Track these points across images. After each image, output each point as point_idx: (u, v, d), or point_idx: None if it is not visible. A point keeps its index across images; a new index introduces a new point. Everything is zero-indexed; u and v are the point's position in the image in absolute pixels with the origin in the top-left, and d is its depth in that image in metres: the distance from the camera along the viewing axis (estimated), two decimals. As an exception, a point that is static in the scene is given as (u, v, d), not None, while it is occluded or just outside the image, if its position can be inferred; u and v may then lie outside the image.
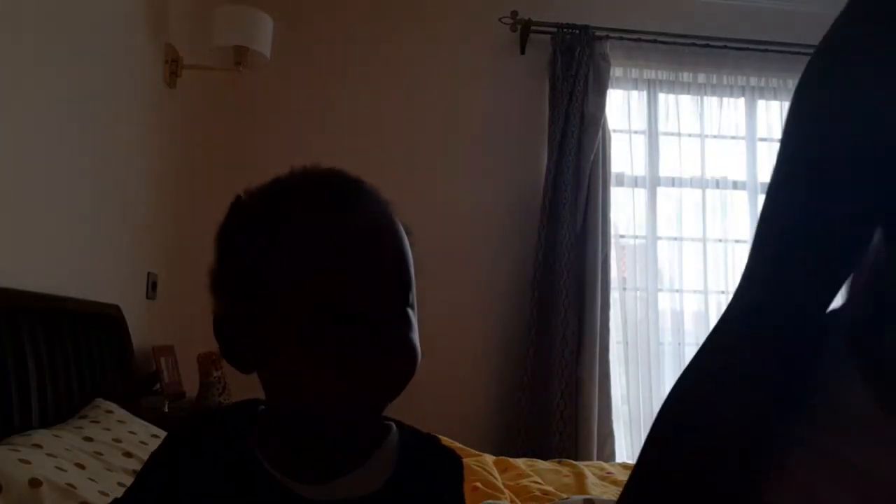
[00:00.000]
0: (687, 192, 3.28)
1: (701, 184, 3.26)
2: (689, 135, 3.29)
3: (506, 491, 1.88)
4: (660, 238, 3.24)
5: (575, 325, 3.01)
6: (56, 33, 1.66)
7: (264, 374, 0.58)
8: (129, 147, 2.12)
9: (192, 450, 0.59)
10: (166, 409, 2.08)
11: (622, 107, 3.29)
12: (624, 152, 3.25)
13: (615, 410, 3.05)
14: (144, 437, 1.57)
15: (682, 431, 0.55)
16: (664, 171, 3.26)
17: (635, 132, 3.28)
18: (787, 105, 0.80)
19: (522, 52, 3.25)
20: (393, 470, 0.59)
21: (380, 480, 0.58)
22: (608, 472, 2.19)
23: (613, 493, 1.94)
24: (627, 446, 3.09)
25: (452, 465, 0.63)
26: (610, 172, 3.17)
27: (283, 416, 0.59)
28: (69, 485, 1.16)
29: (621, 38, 3.16)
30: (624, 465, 2.30)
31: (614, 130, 3.22)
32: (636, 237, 3.24)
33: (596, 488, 1.99)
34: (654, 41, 3.20)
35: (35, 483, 1.11)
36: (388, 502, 0.58)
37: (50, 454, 1.25)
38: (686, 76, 3.32)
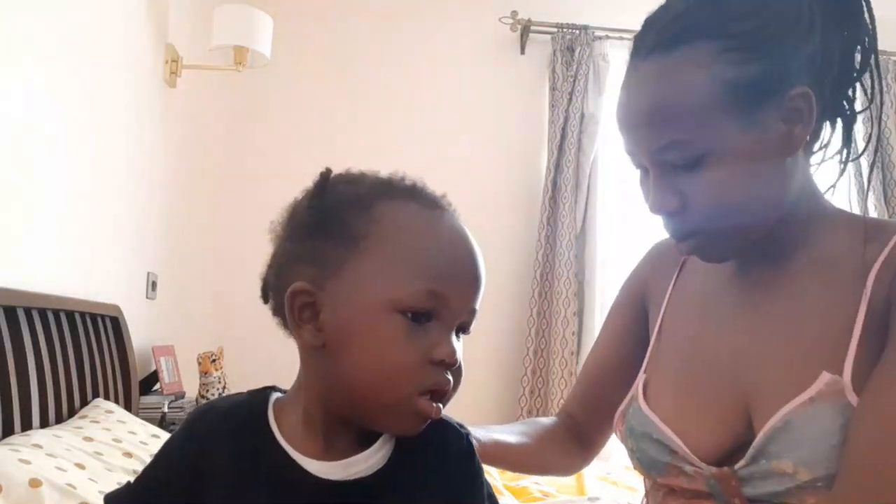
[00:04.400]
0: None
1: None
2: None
3: (505, 492, 1.88)
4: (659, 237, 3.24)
5: (575, 325, 3.01)
6: (56, 33, 1.66)
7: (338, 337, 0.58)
8: (129, 147, 2.12)
9: (209, 431, 0.61)
10: (166, 409, 2.08)
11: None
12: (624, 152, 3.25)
13: (615, 410, 3.04)
14: (144, 437, 1.57)
15: None
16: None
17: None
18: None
19: (522, 52, 3.26)
20: (394, 447, 0.60)
21: (384, 458, 0.60)
22: (608, 472, 2.19)
23: (613, 493, 1.95)
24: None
25: (458, 439, 0.63)
26: (610, 172, 3.17)
27: (321, 395, 0.59)
28: (69, 485, 1.16)
29: (621, 38, 3.16)
30: (624, 466, 2.30)
31: (614, 130, 3.21)
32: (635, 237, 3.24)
33: (596, 488, 1.99)
34: (654, 41, 3.20)
35: (35, 483, 1.11)
36: (391, 479, 0.59)
37: (50, 454, 1.25)
38: (686, 76, 3.32)
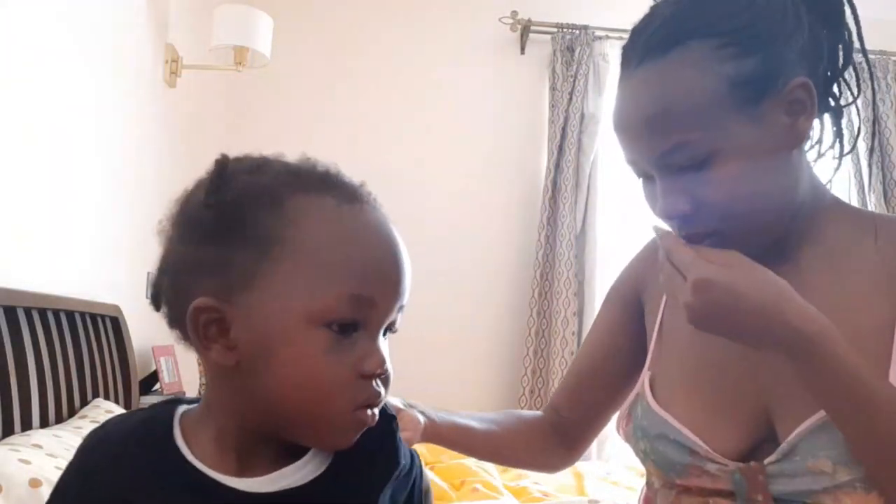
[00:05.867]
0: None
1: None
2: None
3: (505, 492, 1.88)
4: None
5: (575, 325, 3.01)
6: (56, 33, 1.66)
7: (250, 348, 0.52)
8: (129, 147, 2.12)
9: (111, 454, 0.55)
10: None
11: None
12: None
13: (615, 411, 3.05)
14: (144, 437, 1.57)
15: None
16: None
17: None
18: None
19: (522, 52, 3.26)
20: (333, 454, 0.56)
21: (321, 465, 0.55)
22: (608, 473, 2.19)
23: (613, 493, 1.95)
24: (626, 447, 3.09)
25: (386, 422, 0.58)
26: (610, 172, 3.17)
27: (242, 412, 0.54)
28: (69, 485, 1.16)
29: (621, 38, 3.15)
30: (626, 466, 2.30)
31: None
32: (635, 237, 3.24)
33: (595, 489, 1.99)
34: (654, 41, 3.20)
35: (35, 483, 1.11)
36: (328, 486, 0.55)
37: (50, 454, 1.25)
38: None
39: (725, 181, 0.71)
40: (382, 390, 0.54)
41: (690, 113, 0.71)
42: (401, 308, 0.55)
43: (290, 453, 0.55)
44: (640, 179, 0.79)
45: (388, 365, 0.54)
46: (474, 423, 0.90)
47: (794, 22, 0.73)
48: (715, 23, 0.71)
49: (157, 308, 0.57)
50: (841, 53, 0.79)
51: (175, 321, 0.55)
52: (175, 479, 0.53)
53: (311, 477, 0.54)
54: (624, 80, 0.76)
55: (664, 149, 0.72)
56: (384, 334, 0.55)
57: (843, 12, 0.78)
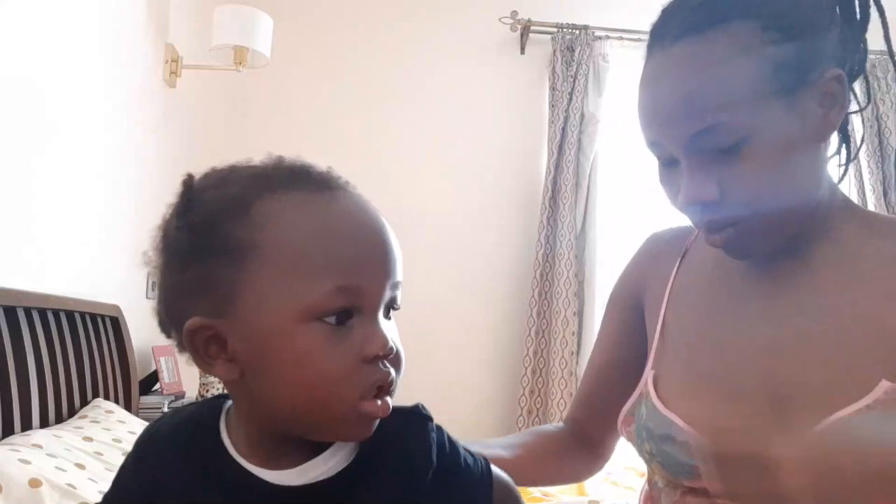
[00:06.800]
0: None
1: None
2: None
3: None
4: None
5: (575, 325, 3.01)
6: (56, 33, 1.66)
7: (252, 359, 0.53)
8: (130, 147, 2.12)
9: (157, 453, 0.58)
10: (166, 409, 2.08)
11: (622, 107, 3.29)
12: (623, 152, 3.25)
13: (615, 410, 3.05)
14: (144, 437, 1.57)
15: None
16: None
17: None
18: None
19: (522, 52, 3.26)
20: (359, 446, 0.56)
21: (347, 458, 0.56)
22: (608, 473, 2.19)
23: (613, 493, 1.94)
24: (626, 446, 3.09)
25: (417, 423, 0.58)
26: (610, 172, 3.17)
27: (258, 407, 0.55)
28: (69, 485, 1.16)
29: (621, 38, 3.16)
30: (624, 467, 2.30)
31: (614, 130, 3.22)
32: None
33: (596, 489, 1.99)
34: (654, 41, 3.20)
35: (35, 483, 1.11)
36: (354, 478, 0.55)
37: (50, 454, 1.25)
38: (686, 76, 3.32)
39: (756, 168, 0.69)
40: (392, 370, 0.53)
41: (729, 93, 0.68)
42: (395, 286, 0.54)
43: (318, 444, 0.56)
44: (660, 165, 0.76)
45: (394, 344, 0.53)
46: (503, 452, 0.89)
47: (829, 16, 0.72)
48: (758, 5, 0.70)
49: (168, 336, 0.58)
50: (857, 59, 0.78)
51: (182, 345, 0.56)
52: (216, 470, 0.55)
53: (337, 470, 0.55)
54: (656, 58, 0.73)
55: (696, 130, 0.69)
56: (387, 314, 0.55)
57: (867, 18, 0.76)
